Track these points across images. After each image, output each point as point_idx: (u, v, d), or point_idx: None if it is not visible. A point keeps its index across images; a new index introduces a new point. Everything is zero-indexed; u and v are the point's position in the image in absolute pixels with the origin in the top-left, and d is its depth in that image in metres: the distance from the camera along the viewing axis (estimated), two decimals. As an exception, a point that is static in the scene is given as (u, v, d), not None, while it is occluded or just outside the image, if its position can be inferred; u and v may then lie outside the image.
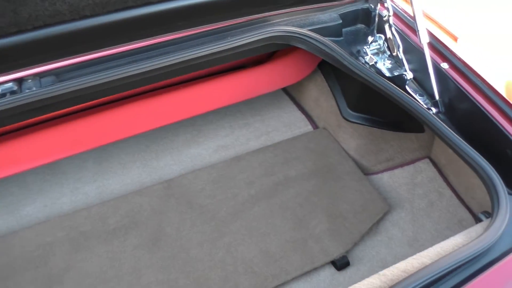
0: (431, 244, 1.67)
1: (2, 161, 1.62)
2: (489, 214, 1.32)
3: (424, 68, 1.52)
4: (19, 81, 1.38)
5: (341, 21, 1.72)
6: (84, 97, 1.45)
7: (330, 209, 1.73)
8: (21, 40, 1.25)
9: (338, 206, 1.74)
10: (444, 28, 1.65)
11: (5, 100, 1.31)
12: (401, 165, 1.90)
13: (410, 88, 1.56)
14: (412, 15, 1.51)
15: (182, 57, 1.49)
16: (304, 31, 1.62)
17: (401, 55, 1.57)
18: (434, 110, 1.49)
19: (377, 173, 1.90)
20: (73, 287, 1.50)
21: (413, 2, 1.49)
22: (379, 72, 1.61)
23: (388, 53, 1.66)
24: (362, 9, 1.77)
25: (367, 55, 1.64)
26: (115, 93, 1.56)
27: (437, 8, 1.78)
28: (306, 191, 1.78)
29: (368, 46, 1.66)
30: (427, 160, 1.91)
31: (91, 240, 1.63)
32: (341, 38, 1.74)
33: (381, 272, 1.10)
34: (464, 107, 1.45)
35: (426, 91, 1.56)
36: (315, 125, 2.08)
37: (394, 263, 1.63)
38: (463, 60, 1.50)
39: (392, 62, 1.65)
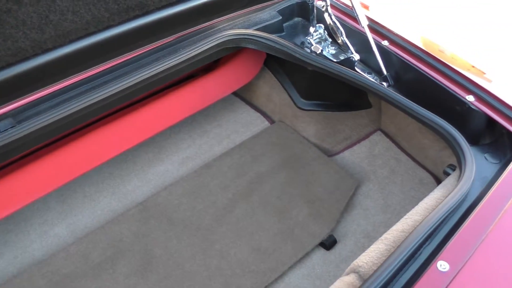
0: (402, 206, 1.84)
1: None
2: (454, 167, 1.47)
3: (367, 48, 1.65)
4: None
5: (281, 17, 1.82)
6: (44, 135, 1.38)
7: (306, 195, 1.81)
8: None
9: (313, 190, 1.82)
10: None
11: None
12: (358, 141, 2.04)
13: (358, 68, 1.69)
14: (350, 3, 1.63)
15: (140, 76, 1.49)
16: (251, 31, 1.69)
17: (345, 40, 1.68)
18: (385, 84, 1.62)
19: (338, 153, 2.02)
20: None
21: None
22: (327, 59, 1.72)
23: (330, 40, 1.77)
24: (297, 3, 1.88)
25: (312, 44, 1.74)
26: (73, 126, 1.49)
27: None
28: (280, 184, 1.85)
29: (311, 36, 1.76)
30: (379, 132, 2.06)
31: (78, 280, 1.55)
32: (284, 33, 1.84)
33: (382, 237, 1.18)
34: (410, 76, 1.60)
35: (373, 69, 1.70)
36: (271, 120, 2.15)
37: (376, 231, 1.77)
38: (399, 35, 1.66)
39: (336, 48, 1.76)
